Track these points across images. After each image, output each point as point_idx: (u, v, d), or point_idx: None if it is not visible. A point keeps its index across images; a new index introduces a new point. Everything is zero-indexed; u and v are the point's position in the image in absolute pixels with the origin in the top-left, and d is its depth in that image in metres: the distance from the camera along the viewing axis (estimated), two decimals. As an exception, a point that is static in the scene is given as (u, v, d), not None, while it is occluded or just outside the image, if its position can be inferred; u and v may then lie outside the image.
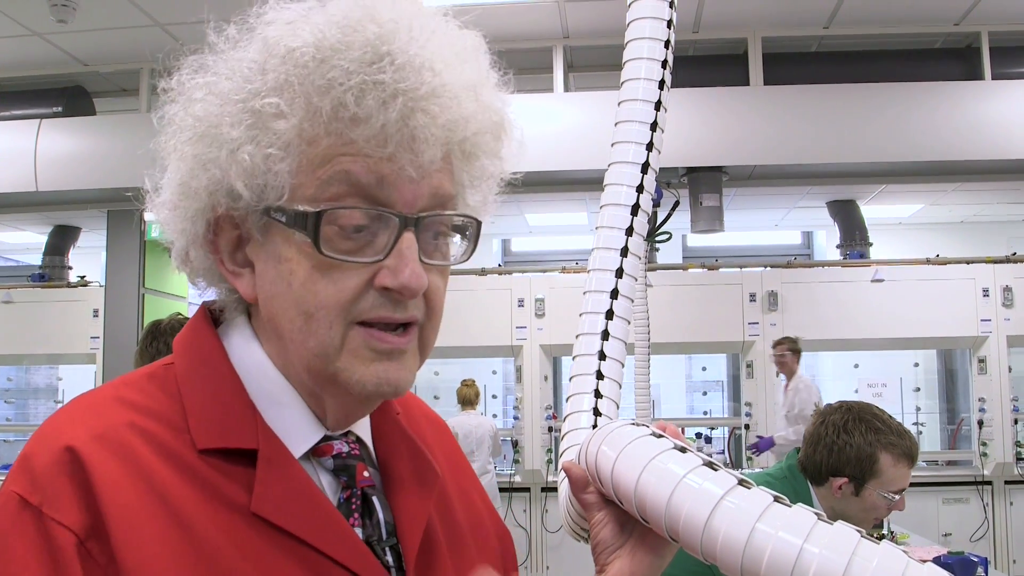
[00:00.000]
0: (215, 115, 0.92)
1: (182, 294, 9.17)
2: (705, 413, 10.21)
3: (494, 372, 9.74)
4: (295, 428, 0.97)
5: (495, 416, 9.20)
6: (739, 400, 8.43)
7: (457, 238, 0.99)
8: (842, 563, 0.83)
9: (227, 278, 0.98)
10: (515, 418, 8.28)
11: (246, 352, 0.99)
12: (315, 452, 0.98)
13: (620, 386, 1.25)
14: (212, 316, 1.04)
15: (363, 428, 1.05)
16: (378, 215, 0.91)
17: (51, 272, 9.26)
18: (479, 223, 1.00)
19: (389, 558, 0.97)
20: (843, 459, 2.62)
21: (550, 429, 8.16)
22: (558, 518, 6.08)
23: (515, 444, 8.22)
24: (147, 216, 8.19)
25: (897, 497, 2.64)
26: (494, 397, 9.67)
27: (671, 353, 8.67)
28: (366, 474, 1.00)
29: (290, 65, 0.89)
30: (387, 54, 0.89)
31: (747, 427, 8.04)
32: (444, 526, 1.07)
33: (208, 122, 0.93)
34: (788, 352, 7.58)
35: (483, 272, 8.50)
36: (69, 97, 7.89)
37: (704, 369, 10.92)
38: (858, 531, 0.86)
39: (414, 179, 0.91)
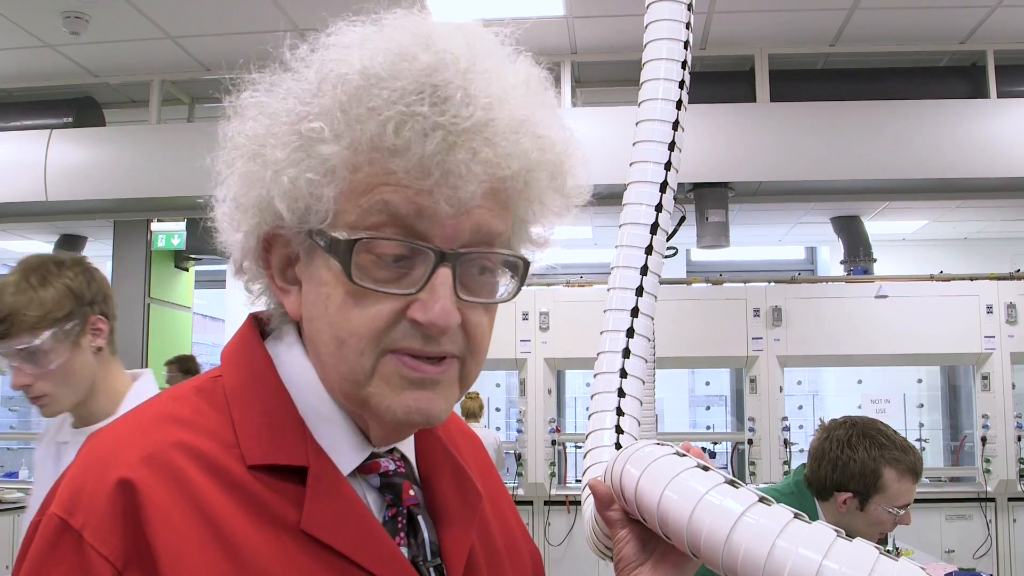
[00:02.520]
0: (263, 135, 0.93)
1: (187, 304, 9.20)
2: (708, 428, 10.21)
3: (498, 385, 9.74)
4: (343, 445, 0.97)
5: (498, 429, 9.19)
6: (742, 415, 8.42)
7: (507, 275, 0.98)
8: None
9: (276, 294, 0.99)
10: (519, 431, 8.26)
11: (294, 367, 0.99)
12: (362, 469, 0.98)
13: (641, 403, 1.28)
14: (260, 326, 1.04)
15: (407, 445, 1.05)
16: (416, 248, 0.90)
17: (57, 281, 9.24)
18: (527, 263, 0.99)
19: None
20: (848, 474, 2.64)
21: (553, 443, 8.15)
22: (561, 531, 6.12)
23: (518, 457, 8.21)
24: (154, 226, 8.25)
25: (902, 512, 2.65)
26: (498, 410, 9.66)
27: (675, 367, 8.66)
28: (411, 492, 1.01)
29: (338, 91, 0.89)
30: (431, 85, 0.88)
31: (750, 442, 8.04)
32: (483, 547, 1.07)
33: (257, 141, 0.94)
34: (179, 373, 7.30)
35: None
36: (79, 108, 7.91)
37: (707, 384, 10.92)
38: (877, 548, 0.87)
39: (452, 214, 0.90)
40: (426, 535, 1.00)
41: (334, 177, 0.90)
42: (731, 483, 0.99)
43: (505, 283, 0.99)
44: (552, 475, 8.10)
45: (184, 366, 7.34)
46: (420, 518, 1.00)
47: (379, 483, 0.99)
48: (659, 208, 1.31)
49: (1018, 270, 8.41)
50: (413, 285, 0.90)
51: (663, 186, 1.31)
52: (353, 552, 0.91)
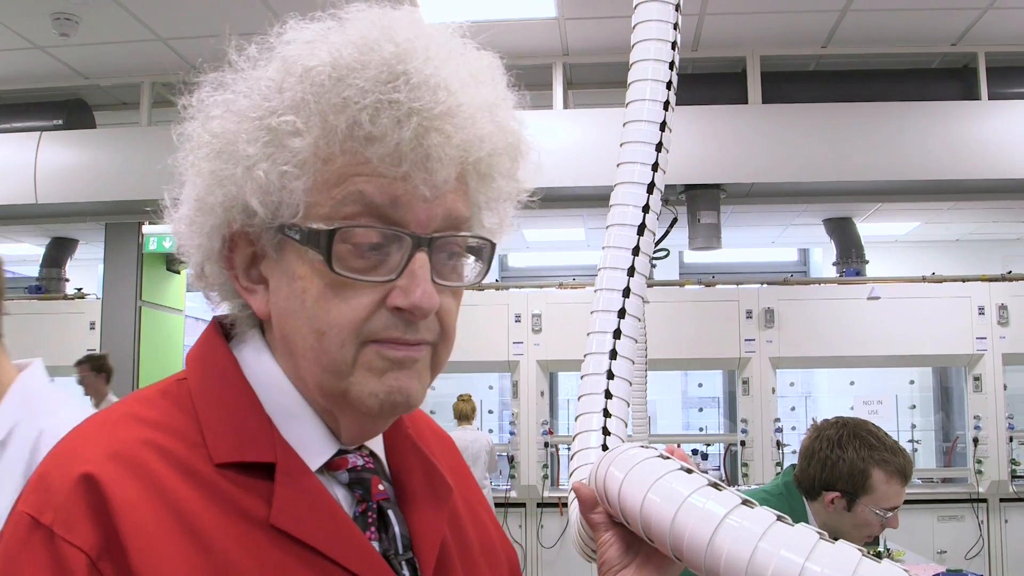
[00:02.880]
0: (232, 132, 0.93)
1: (179, 307, 9.18)
2: (701, 429, 10.20)
3: (491, 387, 9.73)
4: (310, 442, 0.97)
5: (491, 431, 9.19)
6: (735, 417, 8.43)
7: (471, 259, 1.00)
8: None
9: (241, 294, 0.99)
10: (511, 433, 8.28)
11: (260, 366, 0.99)
12: (329, 466, 0.98)
13: (628, 404, 1.27)
14: (223, 331, 1.04)
15: (376, 442, 1.05)
16: (392, 235, 0.91)
17: (48, 284, 9.24)
18: (493, 245, 1.01)
19: (406, 572, 0.98)
20: (836, 473, 2.64)
21: (546, 444, 8.16)
22: (554, 534, 6.12)
23: (511, 459, 8.22)
24: (146, 229, 8.23)
25: (890, 514, 2.65)
26: (490, 412, 9.66)
27: (667, 369, 8.66)
28: (381, 487, 1.01)
29: (307, 84, 0.90)
30: (403, 73, 0.90)
31: (743, 443, 8.05)
32: (456, 543, 1.07)
33: (225, 139, 0.94)
34: (91, 372, 7.18)
35: (480, 287, 8.49)
36: (70, 110, 7.90)
37: (700, 385, 10.91)
38: (860, 550, 0.87)
39: (427, 199, 0.91)
40: (397, 529, 0.99)
41: (306, 169, 0.90)
42: (714, 485, 0.99)
43: (471, 267, 1.00)
44: (545, 477, 8.10)
45: (96, 364, 7.20)
46: (390, 513, 1.00)
47: (348, 479, 0.99)
48: (646, 209, 1.30)
49: (1010, 272, 8.42)
50: (391, 272, 0.91)
51: (650, 187, 1.30)
52: (324, 546, 0.91)
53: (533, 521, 8.06)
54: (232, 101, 0.95)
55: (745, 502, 0.95)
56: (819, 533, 0.89)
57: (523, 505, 8.09)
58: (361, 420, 0.98)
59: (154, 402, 0.96)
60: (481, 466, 7.55)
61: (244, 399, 0.97)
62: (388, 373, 0.93)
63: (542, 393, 8.25)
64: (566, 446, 8.53)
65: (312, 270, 0.92)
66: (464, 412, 7.88)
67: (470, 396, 8.04)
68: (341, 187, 0.90)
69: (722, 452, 8.56)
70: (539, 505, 8.07)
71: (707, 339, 8.15)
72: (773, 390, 8.10)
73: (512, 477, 8.21)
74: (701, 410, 10.76)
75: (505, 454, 8.28)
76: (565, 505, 8.00)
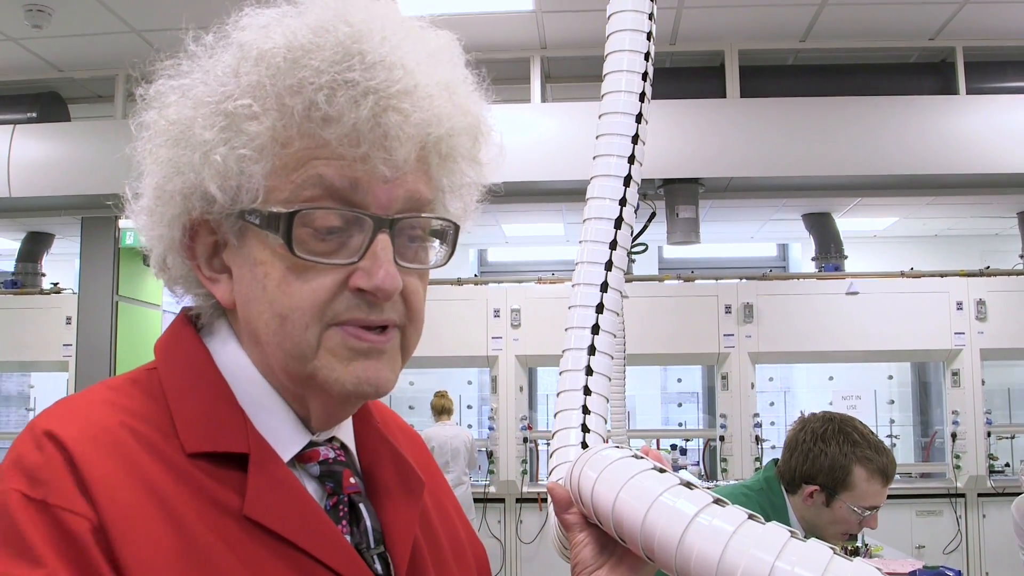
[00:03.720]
0: (188, 118, 0.93)
1: (156, 302, 9.12)
2: (680, 425, 10.23)
3: (469, 382, 9.73)
4: (282, 432, 0.97)
5: (470, 427, 9.18)
6: (714, 412, 8.44)
7: (436, 243, 0.99)
8: None
9: (205, 284, 0.98)
10: (490, 428, 8.27)
11: (230, 356, 0.98)
12: (300, 458, 0.98)
13: (607, 400, 1.26)
14: (191, 322, 1.03)
15: (347, 435, 1.04)
16: (353, 217, 0.91)
17: (24, 279, 9.17)
18: (457, 227, 1.00)
19: (378, 566, 0.97)
20: (817, 467, 2.63)
21: (525, 440, 8.15)
22: (533, 529, 6.11)
23: (490, 455, 8.21)
24: (122, 223, 8.17)
25: (868, 513, 2.63)
26: (469, 408, 9.65)
27: (646, 364, 8.68)
28: (352, 480, 1.00)
29: (262, 67, 0.90)
30: (358, 53, 0.89)
31: (722, 439, 8.06)
32: (426, 539, 1.07)
33: (182, 125, 0.93)
34: None
35: (459, 282, 8.49)
36: (43, 103, 7.83)
37: (679, 381, 10.95)
38: (832, 548, 0.86)
39: (388, 180, 0.91)
40: (368, 523, 0.99)
41: (264, 154, 0.90)
42: (686, 485, 0.98)
43: (436, 249, 1.00)
44: (524, 472, 8.10)
45: None
46: (362, 506, 1.00)
47: (319, 472, 0.99)
48: (623, 202, 1.28)
49: (988, 267, 8.46)
50: (353, 255, 0.91)
51: (627, 180, 1.28)
52: (297, 537, 0.90)
53: (512, 516, 8.05)
54: (189, 88, 0.94)
55: (717, 501, 0.94)
56: (791, 532, 0.88)
57: (502, 501, 8.08)
58: (330, 404, 0.97)
59: (125, 390, 0.95)
60: (461, 462, 7.54)
61: (216, 389, 0.96)
62: (354, 362, 0.93)
63: (521, 388, 8.24)
64: (545, 441, 8.53)
65: (273, 255, 0.91)
66: (443, 407, 7.87)
67: (446, 392, 8.04)
68: (300, 171, 0.90)
69: (701, 447, 8.58)
70: (518, 500, 8.06)
71: (686, 334, 8.16)
72: (752, 385, 8.11)
73: (491, 472, 8.20)
74: (680, 405, 10.80)
75: (484, 449, 8.28)
76: (544, 500, 8.02)
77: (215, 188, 0.91)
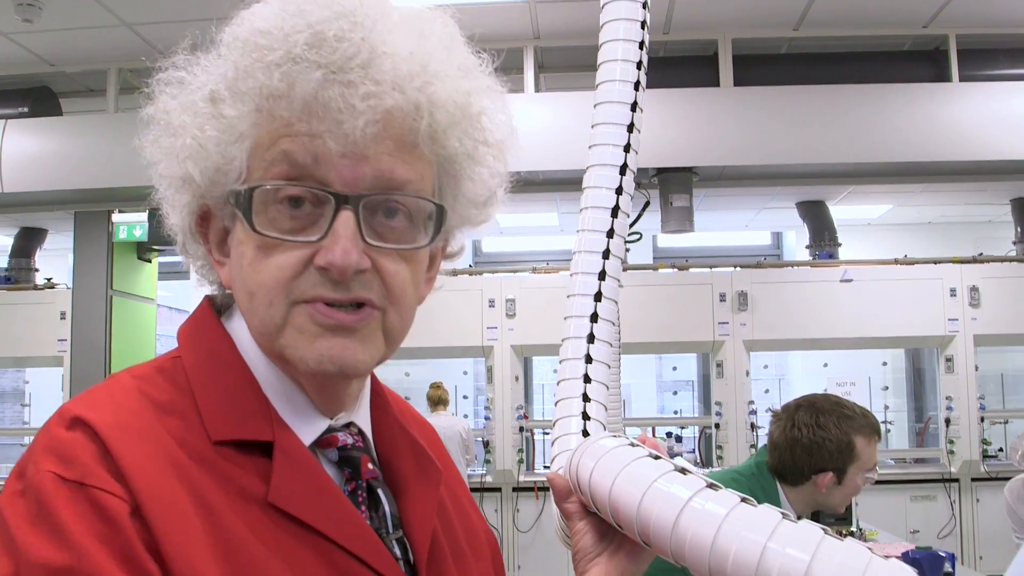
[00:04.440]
0: (173, 106, 0.95)
1: (150, 296, 9.11)
2: (676, 412, 10.26)
3: (465, 373, 9.74)
4: (301, 417, 0.97)
5: (466, 416, 9.20)
6: (709, 400, 8.46)
7: (422, 223, 0.97)
8: (805, 560, 0.85)
9: (215, 268, 1.00)
10: (486, 418, 8.28)
11: (249, 342, 0.99)
12: (319, 444, 0.98)
13: (607, 388, 1.27)
14: (214, 308, 1.04)
15: (364, 422, 1.05)
16: (317, 195, 0.91)
17: (17, 274, 9.14)
18: (441, 209, 0.98)
19: (397, 551, 0.98)
20: (825, 455, 2.68)
21: (521, 429, 8.16)
22: (529, 518, 6.13)
23: (486, 444, 8.23)
24: (116, 217, 8.15)
25: (871, 473, 2.71)
26: (465, 398, 9.67)
27: (641, 353, 8.69)
28: (370, 467, 1.00)
29: (235, 51, 0.92)
30: (314, 32, 0.89)
31: (717, 426, 8.08)
32: (443, 530, 1.07)
33: (169, 114, 0.96)
34: None
35: (454, 273, 8.49)
36: (35, 98, 7.81)
37: (675, 369, 10.97)
38: (823, 529, 0.88)
39: (346, 155, 0.90)
40: (387, 508, 1.00)
41: (240, 135, 0.92)
42: (681, 471, 1.00)
43: (421, 231, 0.97)
44: (520, 462, 8.11)
45: None
46: (380, 492, 1.00)
47: (337, 457, 0.99)
48: (619, 191, 1.29)
49: (981, 253, 8.49)
50: (317, 232, 0.91)
51: (623, 168, 1.29)
52: (321, 524, 0.91)
53: (509, 505, 8.07)
54: (185, 79, 0.97)
55: (710, 485, 0.97)
56: (783, 513, 0.90)
57: (499, 490, 8.10)
58: (313, 384, 0.98)
59: (150, 378, 0.95)
60: (457, 452, 7.55)
61: (239, 376, 0.97)
62: (320, 339, 0.92)
63: (516, 378, 8.25)
64: (541, 430, 8.57)
65: (246, 234, 0.93)
66: (439, 398, 7.88)
67: (441, 383, 8.05)
68: (271, 149, 0.91)
69: (697, 435, 8.61)
70: (515, 489, 8.08)
71: (681, 323, 8.17)
72: (747, 373, 8.13)
73: (487, 462, 8.22)
74: (675, 393, 10.83)
75: (480, 439, 8.29)
76: (541, 489, 8.05)
77: (195, 170, 0.93)
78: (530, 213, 9.82)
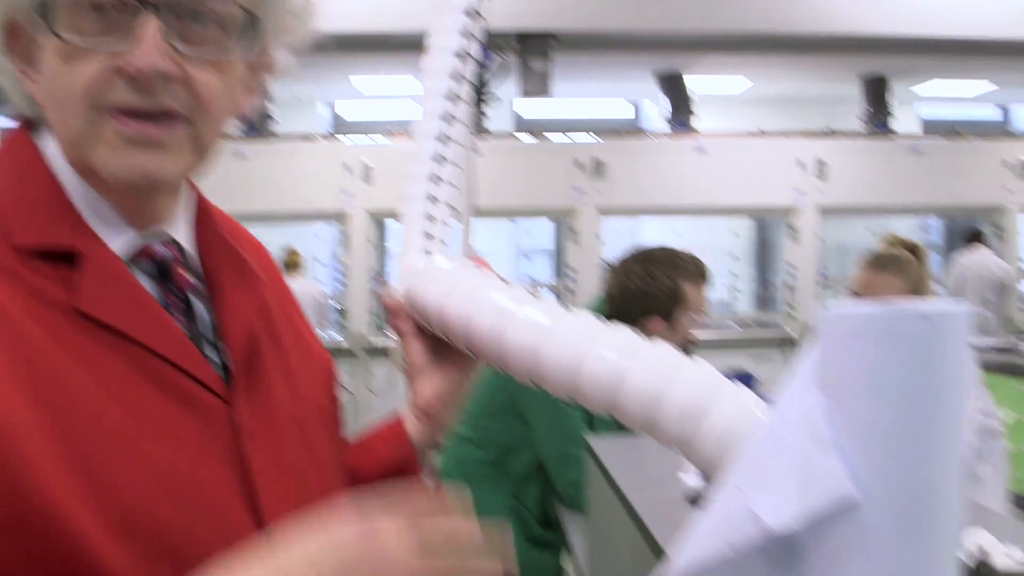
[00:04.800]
0: None
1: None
2: (530, 278, 10.39)
3: (319, 237, 9.65)
4: (111, 229, 0.94)
5: (318, 281, 9.15)
6: (563, 265, 8.60)
7: (237, 32, 0.94)
8: (617, 360, 0.89)
9: (26, 84, 0.95)
10: (341, 284, 8.25)
11: (61, 158, 0.95)
12: (134, 256, 0.96)
13: (447, 227, 1.29)
14: (26, 126, 1.00)
15: (182, 235, 1.02)
16: (118, 0, 0.87)
17: None
18: (254, 16, 0.95)
19: (214, 357, 0.97)
20: (653, 302, 2.79)
21: (376, 294, 8.18)
22: (383, 381, 6.15)
23: (341, 309, 8.22)
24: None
25: (701, 315, 2.92)
26: (319, 263, 9.59)
27: (498, 217, 8.75)
28: (188, 278, 0.99)
29: None
30: None
31: (571, 291, 8.22)
32: (266, 334, 1.06)
33: None
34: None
35: (309, 137, 8.35)
36: None
37: (530, 236, 11.07)
38: (636, 333, 0.93)
39: None
40: (204, 318, 0.99)
41: None
42: (509, 284, 1.05)
43: (234, 40, 0.94)
44: (377, 327, 8.14)
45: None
46: (197, 302, 1.00)
47: (154, 270, 0.97)
48: (462, 55, 1.28)
49: (831, 129, 8.73)
50: (122, 38, 0.88)
51: (466, 32, 1.27)
52: (130, 328, 0.89)
53: (361, 369, 8.10)
54: None
55: (532, 295, 1.02)
56: (604, 320, 0.94)
57: (352, 354, 8.11)
58: (123, 197, 0.95)
59: None
60: (311, 315, 7.51)
61: (47, 185, 0.93)
62: (128, 151, 0.89)
63: (372, 243, 8.22)
64: (398, 296, 8.60)
65: (51, 43, 0.89)
66: (292, 262, 7.81)
67: (295, 248, 7.98)
68: None
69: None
70: (368, 352, 8.11)
71: (538, 189, 8.22)
72: (597, 236, 8.26)
73: (342, 327, 8.23)
74: (530, 259, 10.95)
75: (334, 303, 8.28)
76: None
77: None
78: (387, 75, 9.64)
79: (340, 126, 11.94)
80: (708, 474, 0.91)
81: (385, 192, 7.94)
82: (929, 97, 10.64)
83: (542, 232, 10.63)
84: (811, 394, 0.77)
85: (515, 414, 2.70)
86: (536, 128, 9.48)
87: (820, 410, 0.75)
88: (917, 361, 0.70)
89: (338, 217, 8.24)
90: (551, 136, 8.82)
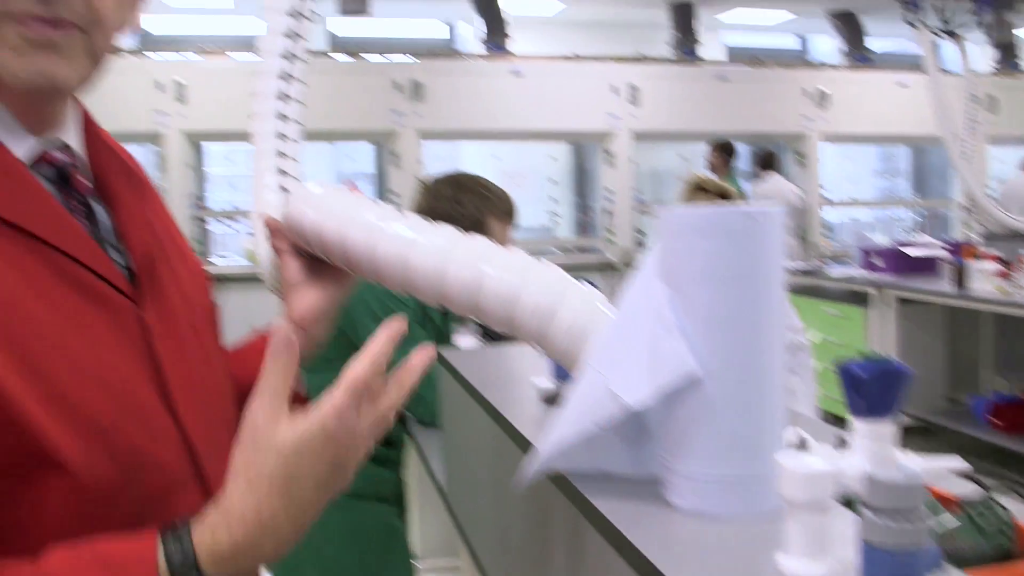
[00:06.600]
0: None
1: None
2: (352, 203, 10.32)
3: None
4: (10, 135, 0.96)
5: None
6: (386, 190, 8.58)
7: None
8: (444, 247, 1.09)
9: None
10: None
11: None
12: (34, 162, 0.98)
13: (298, 162, 1.40)
14: None
15: (76, 142, 1.05)
16: None
17: None
18: None
19: (116, 257, 1.01)
20: (458, 229, 2.85)
21: (199, 219, 8.00)
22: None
23: (158, 234, 7.97)
24: None
25: None
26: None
27: (316, 141, 8.61)
28: (85, 182, 1.02)
29: None
30: None
31: (393, 216, 8.22)
32: (155, 243, 1.10)
33: None
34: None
35: (115, 51, 7.97)
36: None
37: (351, 159, 10.99)
38: (491, 242, 1.09)
39: None
40: (107, 221, 1.03)
41: None
42: (378, 205, 1.18)
43: None
44: (200, 253, 7.93)
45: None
46: (96, 204, 1.03)
47: (53, 175, 0.99)
48: None
49: (642, 54, 8.94)
50: None
51: None
52: (39, 229, 0.91)
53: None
54: None
55: (400, 213, 1.16)
56: (464, 233, 1.11)
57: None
58: (20, 102, 0.96)
59: None
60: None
61: None
62: (29, 54, 0.92)
63: (190, 166, 8.01)
64: (216, 219, 8.43)
65: None
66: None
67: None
68: None
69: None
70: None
71: (357, 112, 8.14)
72: (420, 161, 8.27)
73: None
74: (354, 184, 10.85)
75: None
76: (220, 279, 7.91)
77: None
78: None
79: (148, 42, 11.48)
80: (565, 366, 1.02)
81: (202, 112, 7.71)
82: (733, 24, 11.00)
83: (363, 156, 10.55)
84: (656, 285, 0.89)
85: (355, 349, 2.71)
86: (352, 48, 9.32)
87: (664, 298, 0.87)
88: (742, 251, 0.84)
89: (152, 138, 7.91)
90: (368, 57, 8.72)
